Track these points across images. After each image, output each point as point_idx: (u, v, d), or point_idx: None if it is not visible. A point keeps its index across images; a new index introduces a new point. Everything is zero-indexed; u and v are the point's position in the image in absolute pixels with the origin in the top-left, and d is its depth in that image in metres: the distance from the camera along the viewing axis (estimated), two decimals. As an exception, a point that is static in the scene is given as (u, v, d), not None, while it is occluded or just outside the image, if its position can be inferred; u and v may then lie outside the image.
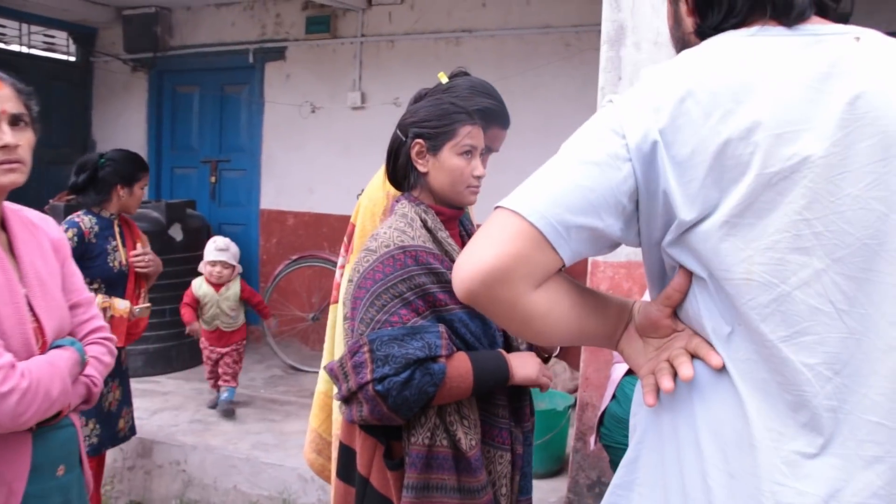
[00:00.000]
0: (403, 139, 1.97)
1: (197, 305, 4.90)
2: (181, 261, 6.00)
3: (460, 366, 1.79)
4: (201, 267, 4.96)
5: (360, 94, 6.34)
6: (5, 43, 7.27)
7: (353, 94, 6.36)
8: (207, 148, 7.28)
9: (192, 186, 7.33)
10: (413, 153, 1.95)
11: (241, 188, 7.09)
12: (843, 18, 1.23)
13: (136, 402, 5.02)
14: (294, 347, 6.50)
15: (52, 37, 7.62)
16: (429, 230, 1.91)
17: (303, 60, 6.64)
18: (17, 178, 1.81)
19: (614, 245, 1.23)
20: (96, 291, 3.38)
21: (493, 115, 2.24)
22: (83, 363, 1.90)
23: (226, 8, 6.96)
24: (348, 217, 6.22)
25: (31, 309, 1.81)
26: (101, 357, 1.98)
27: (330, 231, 6.56)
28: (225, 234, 6.96)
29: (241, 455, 4.23)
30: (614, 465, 2.57)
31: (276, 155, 6.82)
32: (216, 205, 7.21)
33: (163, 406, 5.04)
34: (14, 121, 1.82)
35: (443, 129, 1.93)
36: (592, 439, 2.78)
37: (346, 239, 2.49)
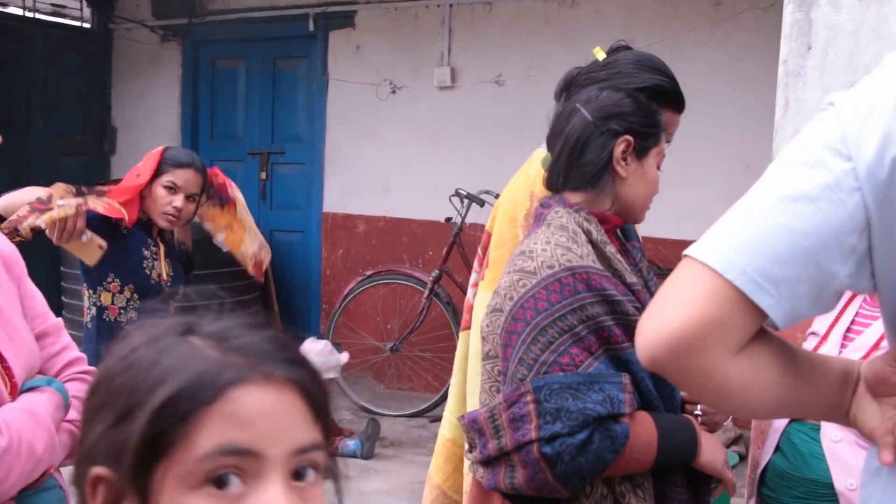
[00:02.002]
0: (601, 130, 2.02)
1: None
2: (227, 277, 6.20)
3: (644, 432, 1.82)
4: None
5: (450, 71, 6.44)
6: (4, 5, 7.57)
7: (440, 71, 6.46)
8: (255, 137, 7.44)
9: (237, 184, 7.48)
10: (618, 151, 2.00)
11: (299, 187, 7.23)
12: None
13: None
14: (366, 384, 6.62)
15: (62, -2, 7.89)
16: (593, 244, 1.96)
17: (377, 28, 6.75)
18: None
19: (840, 296, 1.22)
20: (128, 302, 3.53)
21: (666, 96, 2.33)
22: (66, 406, 1.86)
23: (280, -39, 7.15)
24: (433, 223, 6.53)
25: None
26: (81, 395, 1.93)
27: (411, 240, 6.66)
28: (278, 244, 7.20)
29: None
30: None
31: (343, 146, 6.94)
32: (267, 207, 7.38)
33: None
34: None
35: (652, 129, 2.02)
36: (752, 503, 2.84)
37: (479, 251, 2.55)
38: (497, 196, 5.80)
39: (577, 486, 1.79)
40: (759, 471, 2.62)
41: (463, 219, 6.00)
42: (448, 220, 6.15)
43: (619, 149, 1.99)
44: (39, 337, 1.94)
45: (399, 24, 6.70)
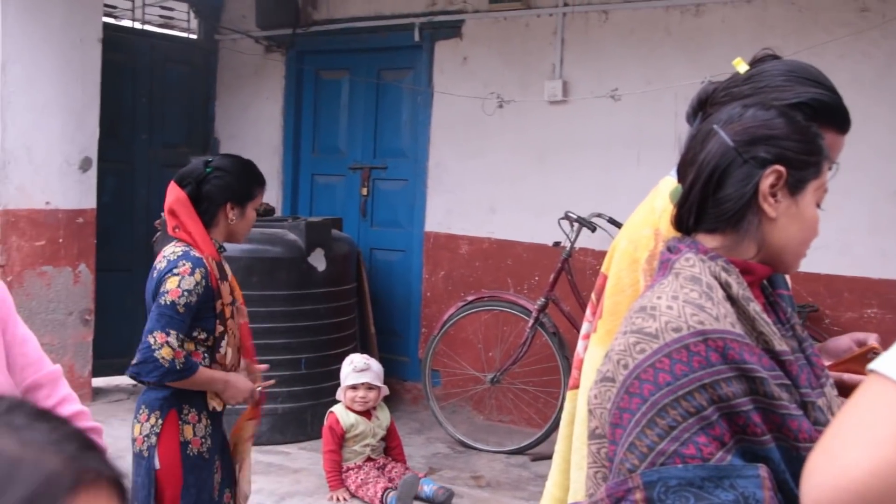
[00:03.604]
0: (745, 158, 1.69)
1: (342, 442, 5.05)
2: (323, 297, 6.03)
3: None
4: (340, 394, 5.11)
5: (562, 84, 6.20)
6: (115, 17, 7.60)
7: (551, 84, 6.23)
8: (358, 151, 7.33)
9: (338, 200, 7.40)
10: (765, 185, 1.67)
11: (401, 204, 7.10)
12: None
13: (260, 482, 5.05)
14: (464, 416, 6.42)
15: (171, 10, 7.93)
16: (733, 301, 1.63)
17: (485, 38, 6.57)
18: None
19: None
20: (200, 345, 3.29)
21: (828, 113, 1.96)
22: None
23: (386, -30, 7.03)
24: (540, 246, 6.27)
25: None
26: None
27: (516, 264, 6.44)
28: (378, 262, 7.03)
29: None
30: None
31: (448, 162, 6.78)
32: (367, 224, 7.26)
33: (294, 489, 5.02)
34: None
35: (813, 157, 1.69)
36: None
37: (593, 296, 2.28)
38: (610, 220, 5.62)
39: None
40: None
41: (572, 244, 5.77)
42: (556, 244, 5.91)
43: (766, 182, 1.65)
44: (31, 389, 1.69)
45: (508, 35, 6.49)
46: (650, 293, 1.69)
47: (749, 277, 1.69)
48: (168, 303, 3.09)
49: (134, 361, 3.13)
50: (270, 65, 7.65)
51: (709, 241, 1.71)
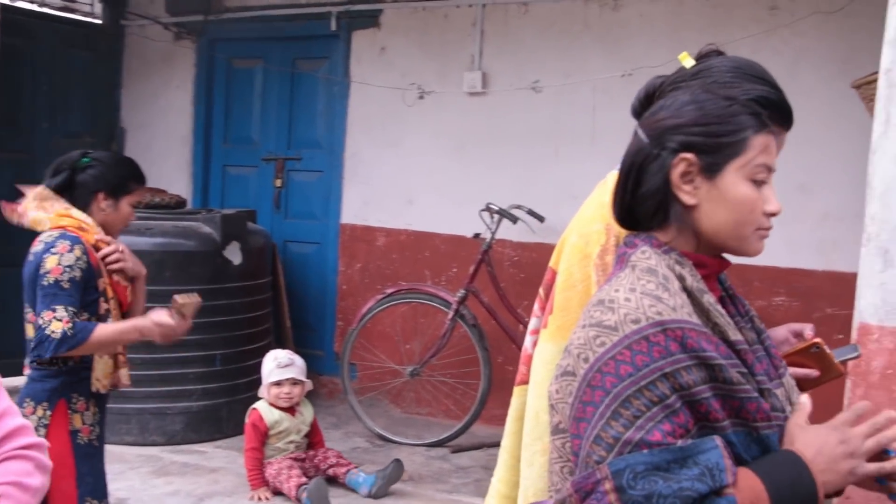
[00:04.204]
0: (656, 152, 1.72)
1: (265, 439, 4.99)
2: (238, 291, 5.94)
3: (749, 489, 1.53)
4: (263, 391, 5.05)
5: (481, 75, 6.21)
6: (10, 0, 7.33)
7: (470, 75, 6.23)
8: (271, 141, 7.23)
9: (250, 191, 7.29)
10: (675, 175, 1.69)
11: (316, 196, 7.02)
12: None
13: (177, 483, 4.96)
14: (382, 409, 6.40)
15: (73, -9, 7.69)
16: (688, 292, 1.66)
17: (403, 29, 6.54)
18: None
19: None
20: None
21: (774, 109, 1.99)
22: None
23: (301, -42, 6.93)
24: (459, 238, 6.27)
25: None
26: (23, 480, 1.67)
27: (434, 256, 6.43)
28: (292, 255, 6.96)
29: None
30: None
31: (365, 153, 6.73)
32: (281, 217, 7.17)
33: (212, 489, 4.93)
34: None
35: (727, 138, 1.68)
36: None
37: (541, 291, 2.27)
38: (529, 212, 5.63)
39: None
40: None
41: (493, 235, 5.79)
42: (476, 235, 5.92)
43: (676, 171, 1.67)
44: None
45: (427, 25, 6.47)
46: (608, 286, 1.69)
47: (703, 270, 1.72)
48: (51, 282, 3.10)
49: (31, 347, 3.13)
50: (180, 52, 7.47)
51: (662, 235, 1.73)
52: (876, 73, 3.68)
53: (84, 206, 3.34)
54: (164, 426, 5.66)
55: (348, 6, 6.70)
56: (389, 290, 5.98)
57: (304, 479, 4.79)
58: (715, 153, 1.67)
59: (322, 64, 6.96)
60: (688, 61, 2.01)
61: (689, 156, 1.67)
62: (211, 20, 7.20)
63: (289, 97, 7.14)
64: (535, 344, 2.23)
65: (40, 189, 3.29)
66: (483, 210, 5.74)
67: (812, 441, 1.63)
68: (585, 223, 2.17)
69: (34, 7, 7.35)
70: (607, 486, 1.49)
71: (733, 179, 1.67)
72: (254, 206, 6.87)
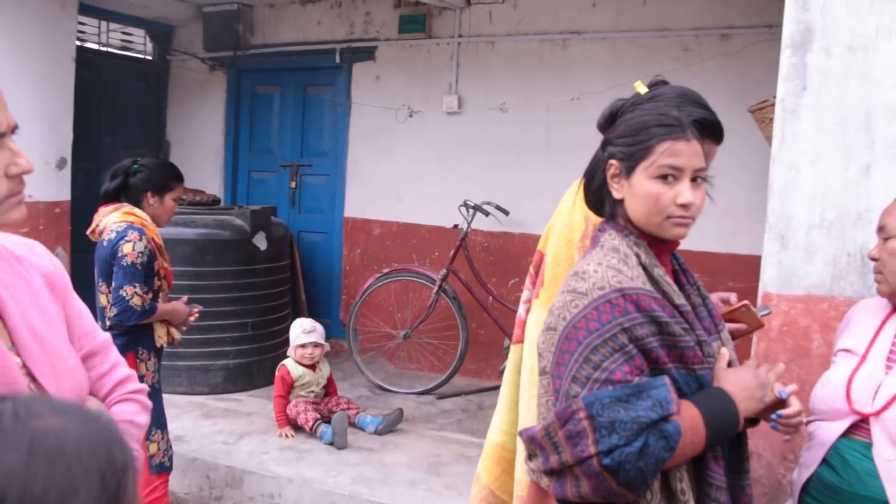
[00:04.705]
0: (601, 159, 1.80)
1: (290, 389, 4.99)
2: (264, 272, 5.94)
3: (690, 418, 1.60)
4: (291, 351, 5.03)
5: (457, 98, 6.19)
6: (83, 41, 7.30)
7: (448, 98, 6.22)
8: (287, 152, 7.19)
9: (270, 191, 7.26)
10: (608, 176, 1.78)
11: (324, 195, 6.99)
12: None
13: (220, 424, 4.98)
14: (380, 365, 6.38)
15: (130, 34, 7.64)
16: (643, 266, 1.72)
17: (394, 61, 6.51)
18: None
19: None
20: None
21: (710, 128, 2.05)
22: None
23: (311, 5, 6.86)
24: (440, 228, 6.29)
25: (34, 380, 1.40)
26: (135, 419, 1.63)
27: (420, 242, 6.43)
28: (305, 243, 6.95)
29: (342, 491, 4.06)
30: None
31: (363, 161, 6.70)
32: (296, 212, 7.12)
33: (248, 429, 4.93)
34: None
35: (637, 146, 1.72)
36: None
37: (531, 269, 2.31)
38: (497, 207, 5.66)
39: (641, 488, 1.57)
40: (800, 482, 2.26)
41: (469, 225, 5.79)
42: (455, 226, 5.92)
43: (608, 173, 1.79)
44: (88, 356, 1.58)
45: (414, 59, 6.44)
46: (582, 262, 1.76)
47: (657, 249, 1.77)
48: (129, 263, 3.20)
49: (113, 314, 3.22)
50: (214, 81, 7.42)
51: (622, 222, 1.79)
52: (766, 100, 3.77)
53: (136, 203, 3.39)
54: (208, 379, 5.67)
55: (350, 43, 6.66)
56: (385, 270, 5.97)
57: (318, 416, 4.82)
58: (629, 159, 1.74)
59: (328, 89, 6.92)
60: (642, 88, 2.06)
61: (613, 161, 1.76)
62: (239, 55, 7.15)
63: (301, 116, 7.09)
64: (527, 311, 2.26)
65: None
66: (461, 205, 5.75)
67: (733, 379, 1.71)
68: (568, 213, 2.19)
69: (100, 47, 7.31)
70: (581, 414, 1.55)
71: (640, 178, 1.72)
72: (274, 204, 6.85)
